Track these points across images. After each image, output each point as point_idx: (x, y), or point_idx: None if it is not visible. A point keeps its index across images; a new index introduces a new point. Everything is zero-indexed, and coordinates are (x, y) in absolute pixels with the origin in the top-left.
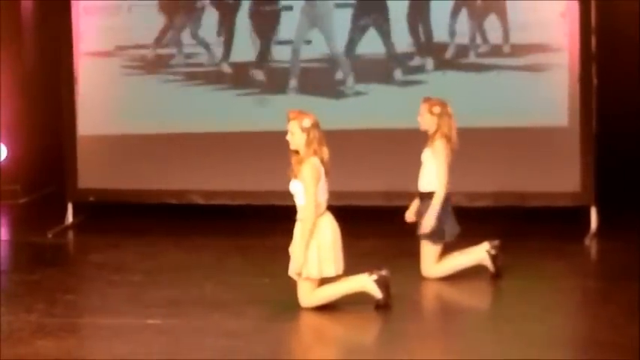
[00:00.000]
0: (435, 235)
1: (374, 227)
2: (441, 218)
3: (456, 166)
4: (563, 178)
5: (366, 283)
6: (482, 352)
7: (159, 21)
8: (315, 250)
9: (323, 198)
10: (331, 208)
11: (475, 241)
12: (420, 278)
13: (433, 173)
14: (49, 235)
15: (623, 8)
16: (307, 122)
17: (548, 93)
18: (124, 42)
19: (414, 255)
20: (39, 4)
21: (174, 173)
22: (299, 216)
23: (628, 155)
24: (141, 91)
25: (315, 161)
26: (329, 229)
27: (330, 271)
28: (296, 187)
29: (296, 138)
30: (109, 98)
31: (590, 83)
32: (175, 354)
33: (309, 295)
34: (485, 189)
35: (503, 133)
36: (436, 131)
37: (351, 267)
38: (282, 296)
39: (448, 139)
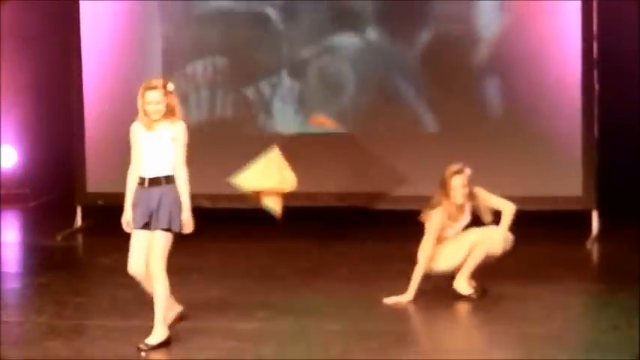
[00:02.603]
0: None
1: (376, 229)
2: None
3: None
4: (565, 182)
5: None
6: (484, 353)
7: None
8: None
9: None
10: (338, 210)
11: None
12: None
13: None
14: (59, 238)
15: (625, 13)
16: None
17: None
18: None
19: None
20: (49, 10)
21: None
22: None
23: (629, 159)
24: None
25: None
26: None
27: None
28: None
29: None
30: (116, 103)
31: (592, 88)
32: (183, 355)
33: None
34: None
35: (505, 138)
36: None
37: (355, 268)
38: (288, 298)
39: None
